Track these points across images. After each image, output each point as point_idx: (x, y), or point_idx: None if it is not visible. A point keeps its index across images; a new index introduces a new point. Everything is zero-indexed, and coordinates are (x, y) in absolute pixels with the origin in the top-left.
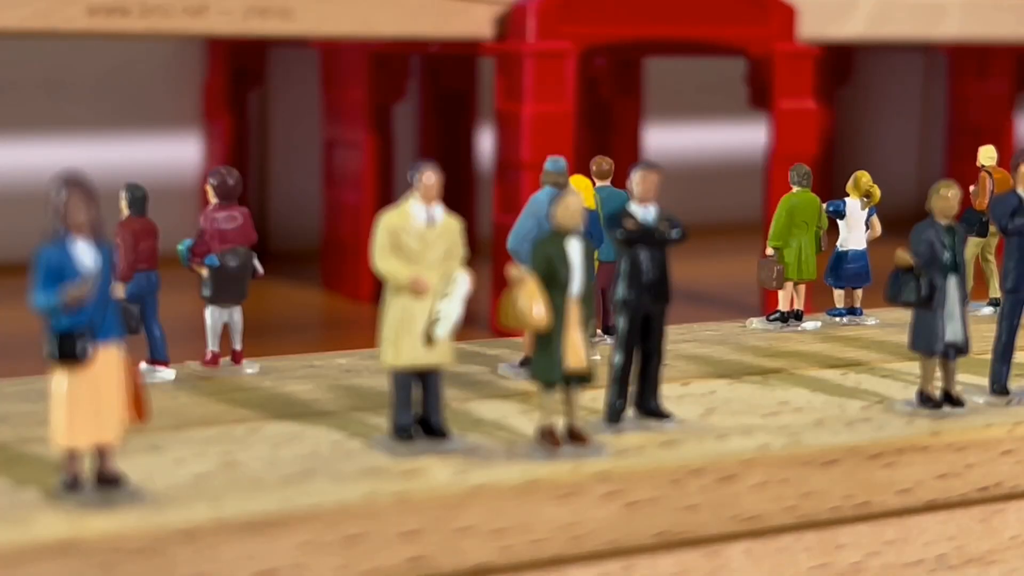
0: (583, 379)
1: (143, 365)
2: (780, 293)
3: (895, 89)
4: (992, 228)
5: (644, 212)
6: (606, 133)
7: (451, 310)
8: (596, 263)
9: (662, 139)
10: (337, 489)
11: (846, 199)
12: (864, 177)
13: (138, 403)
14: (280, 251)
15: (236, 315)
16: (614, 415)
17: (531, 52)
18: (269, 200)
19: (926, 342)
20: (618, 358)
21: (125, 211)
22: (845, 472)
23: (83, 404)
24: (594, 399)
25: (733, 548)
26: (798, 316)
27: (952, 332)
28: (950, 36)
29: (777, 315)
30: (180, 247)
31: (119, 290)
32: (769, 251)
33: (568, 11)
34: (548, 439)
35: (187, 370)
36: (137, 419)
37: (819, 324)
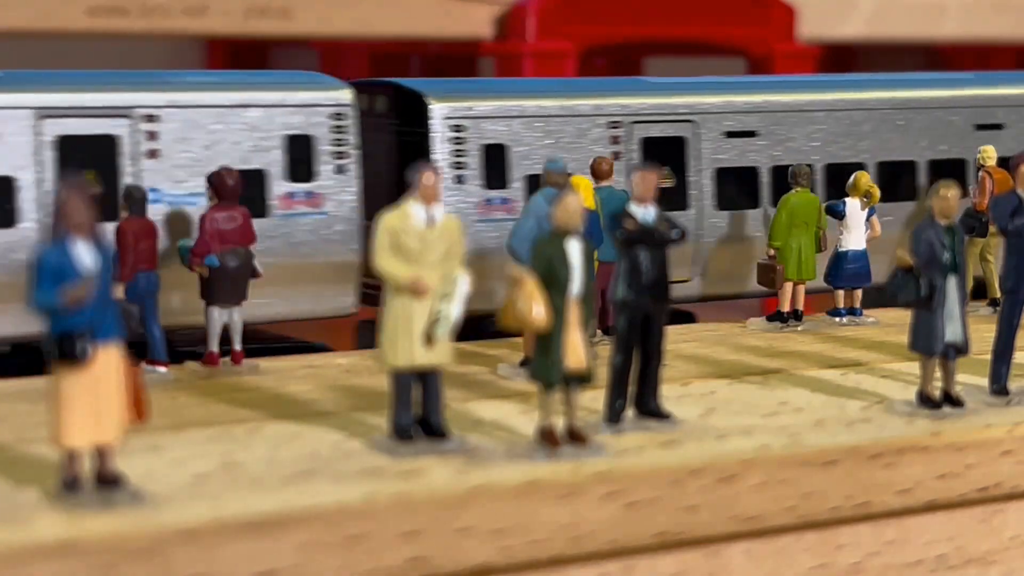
0: (583, 379)
1: (143, 365)
2: (780, 293)
3: None
4: (992, 228)
5: (644, 212)
6: None
7: (451, 310)
8: (596, 263)
9: None
10: (337, 489)
11: (846, 200)
12: (864, 178)
13: (138, 403)
14: None
15: (236, 315)
16: (614, 415)
17: (531, 52)
18: None
19: (926, 342)
20: (618, 358)
21: (125, 212)
22: (845, 472)
23: (83, 404)
24: (594, 399)
25: (733, 548)
26: (798, 316)
27: (952, 332)
28: (950, 36)
29: (776, 315)
30: (180, 246)
31: (119, 291)
32: (770, 251)
33: (568, 11)
34: (548, 439)
35: (187, 370)
36: (137, 419)
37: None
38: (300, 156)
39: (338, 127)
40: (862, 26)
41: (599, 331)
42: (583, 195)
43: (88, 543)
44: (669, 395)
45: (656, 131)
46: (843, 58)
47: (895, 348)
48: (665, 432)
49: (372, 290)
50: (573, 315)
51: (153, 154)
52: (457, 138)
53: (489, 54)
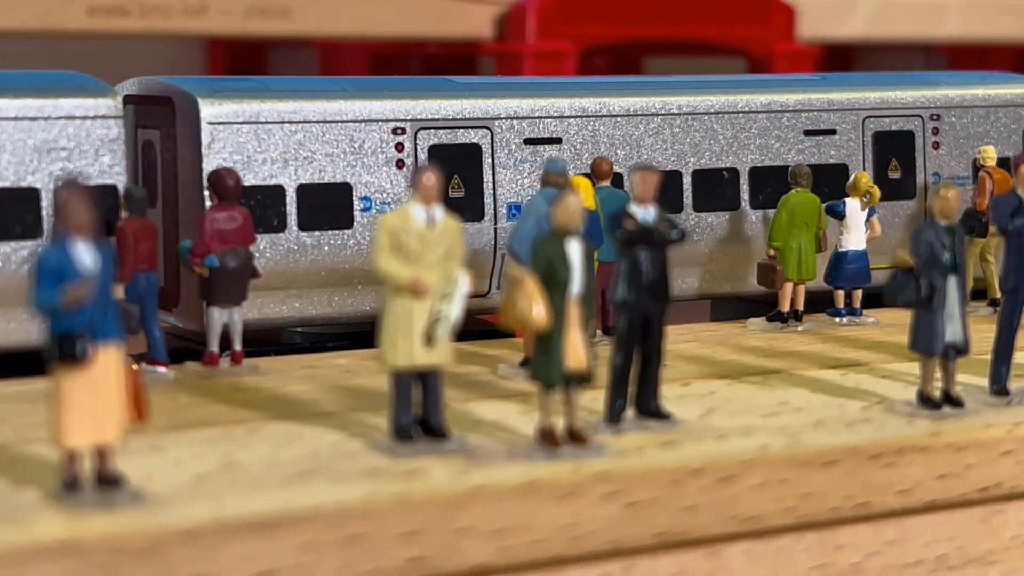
0: (583, 379)
1: (143, 365)
2: (780, 293)
3: None
4: (992, 228)
5: (644, 212)
6: None
7: (451, 311)
8: (596, 263)
9: None
10: (337, 490)
11: (846, 200)
12: (864, 178)
13: (138, 403)
14: None
15: (236, 315)
16: (614, 415)
17: (531, 52)
18: None
19: (926, 342)
20: (618, 358)
21: (125, 212)
22: (845, 472)
23: (83, 404)
24: (594, 399)
25: (733, 548)
26: (798, 316)
27: (952, 332)
28: (950, 36)
29: (776, 315)
30: (180, 247)
31: (119, 291)
32: (770, 251)
33: (568, 11)
34: (548, 439)
35: (187, 370)
36: (137, 420)
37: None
38: None
39: None
40: (862, 26)
41: (599, 331)
42: (583, 195)
43: (88, 543)
44: (669, 395)
45: None
46: (843, 58)
47: (895, 348)
48: (665, 432)
49: None
50: (573, 315)
51: (936, 146)
52: None
53: (489, 54)
